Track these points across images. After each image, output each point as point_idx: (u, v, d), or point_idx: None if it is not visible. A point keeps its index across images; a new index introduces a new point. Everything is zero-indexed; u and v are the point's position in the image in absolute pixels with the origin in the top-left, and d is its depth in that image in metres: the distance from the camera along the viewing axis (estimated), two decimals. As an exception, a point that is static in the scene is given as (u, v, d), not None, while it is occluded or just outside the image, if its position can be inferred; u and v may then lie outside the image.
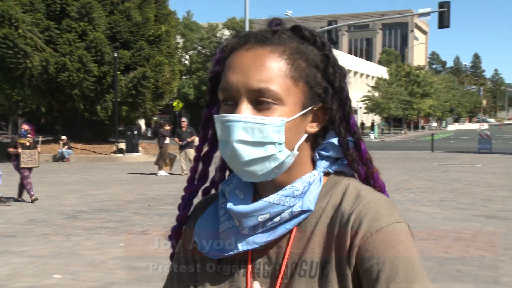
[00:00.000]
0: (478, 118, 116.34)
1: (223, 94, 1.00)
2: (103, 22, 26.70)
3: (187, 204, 1.17)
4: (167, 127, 18.19)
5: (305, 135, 1.02)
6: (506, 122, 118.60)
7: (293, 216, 1.01)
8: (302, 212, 1.01)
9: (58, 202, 11.43)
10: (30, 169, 11.65)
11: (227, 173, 1.17)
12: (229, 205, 1.03)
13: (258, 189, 1.07)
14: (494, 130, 66.26)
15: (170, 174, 17.30)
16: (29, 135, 11.77)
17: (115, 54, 24.82)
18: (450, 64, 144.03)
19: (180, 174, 17.02)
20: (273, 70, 0.97)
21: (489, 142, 28.14)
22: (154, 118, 42.19)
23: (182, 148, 17.11)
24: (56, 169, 19.56)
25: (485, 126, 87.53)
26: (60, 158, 23.17)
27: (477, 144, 29.29)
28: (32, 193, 11.47)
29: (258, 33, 1.02)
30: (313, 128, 1.03)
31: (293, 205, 1.00)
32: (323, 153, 1.06)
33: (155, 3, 29.75)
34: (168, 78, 28.41)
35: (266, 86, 0.96)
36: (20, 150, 11.48)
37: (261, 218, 1.00)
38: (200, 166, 1.17)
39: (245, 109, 0.97)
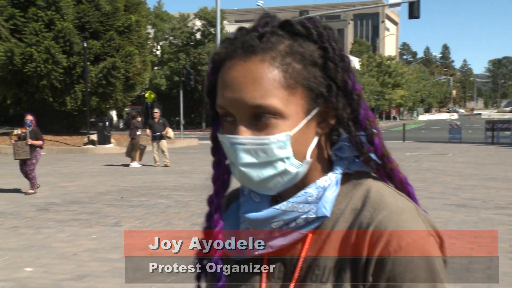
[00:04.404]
0: (448, 108, 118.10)
1: (220, 110, 0.95)
2: (71, 11, 26.22)
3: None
4: (139, 119, 18.03)
5: (316, 138, 0.96)
6: (475, 112, 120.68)
7: (308, 222, 0.96)
8: (317, 218, 0.96)
9: (29, 195, 11.24)
10: (24, 160, 11.40)
11: None
12: (242, 211, 1.00)
13: None
14: (464, 120, 67.42)
15: (143, 165, 17.16)
16: (32, 126, 11.52)
17: (85, 45, 24.40)
18: (420, 54, 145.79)
19: (153, 166, 16.91)
20: (267, 83, 0.89)
21: (459, 132, 28.63)
22: (126, 109, 41.79)
23: (154, 139, 17.00)
24: (25, 161, 19.18)
25: (455, 116, 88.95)
26: (29, 150, 22.76)
27: (447, 134, 29.77)
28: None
29: (244, 41, 0.92)
30: (324, 128, 0.97)
31: (307, 211, 0.95)
32: (340, 154, 1.00)
33: (125, -8, 29.37)
34: (139, 69, 28.11)
35: (261, 102, 0.89)
36: (13, 141, 11.38)
37: (274, 225, 0.97)
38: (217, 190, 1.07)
39: (245, 129, 0.91)
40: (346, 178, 0.99)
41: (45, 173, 15.25)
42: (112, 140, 24.82)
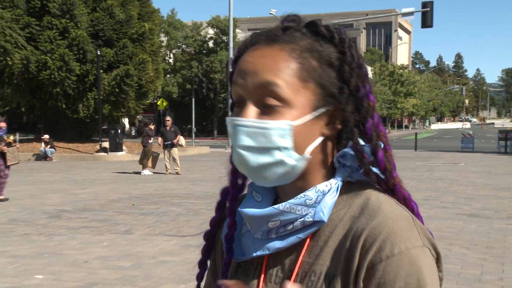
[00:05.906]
0: (461, 118, 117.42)
1: (233, 95, 0.97)
2: (85, 19, 26.45)
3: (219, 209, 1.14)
4: (152, 126, 18.11)
5: (320, 138, 0.95)
6: (487, 121, 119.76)
7: (305, 226, 0.96)
8: (314, 222, 0.96)
9: (41, 202, 11.30)
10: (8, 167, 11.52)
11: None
12: (242, 207, 1.00)
13: (279, 192, 1.02)
14: (477, 130, 66.91)
15: (154, 173, 17.22)
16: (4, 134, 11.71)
17: (98, 52, 24.59)
18: (433, 63, 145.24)
19: (164, 173, 16.96)
20: (281, 68, 0.91)
21: (471, 141, 28.40)
22: (138, 117, 42.00)
23: (166, 147, 17.06)
24: (39, 168, 19.35)
25: (468, 125, 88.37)
26: (43, 157, 22.93)
27: (460, 143, 29.57)
28: (2, 192, 11.34)
29: (269, 31, 0.97)
30: (330, 131, 0.96)
31: (305, 214, 0.95)
32: (342, 161, 0.99)
33: (138, 0, 29.57)
34: (152, 77, 28.25)
35: (272, 80, 0.90)
36: (5, 148, 11.38)
37: (271, 224, 0.96)
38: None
39: (250, 112, 0.92)
40: (348, 187, 0.99)
41: (57, 180, 15.36)
42: (124, 147, 24.93)
